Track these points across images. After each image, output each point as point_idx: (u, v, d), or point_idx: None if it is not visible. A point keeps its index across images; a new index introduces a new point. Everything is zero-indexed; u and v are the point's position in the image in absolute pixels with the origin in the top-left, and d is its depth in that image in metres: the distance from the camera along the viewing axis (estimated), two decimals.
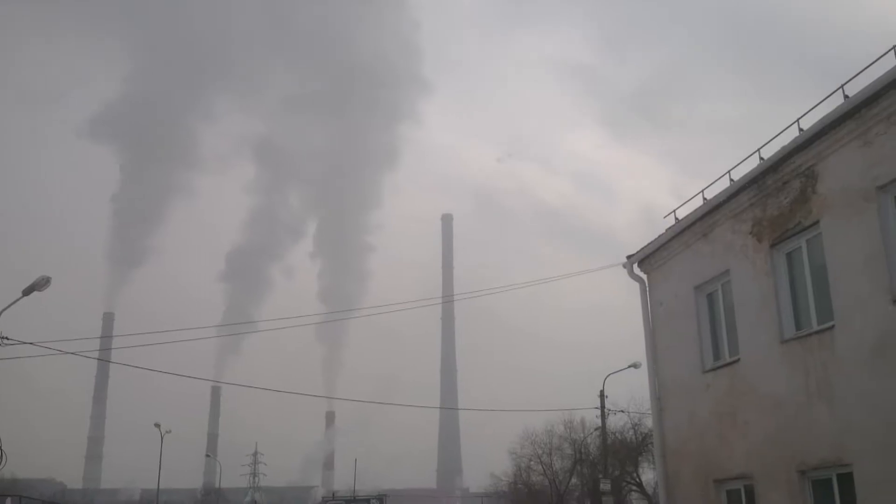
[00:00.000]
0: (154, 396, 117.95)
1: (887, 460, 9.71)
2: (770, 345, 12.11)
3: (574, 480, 47.22)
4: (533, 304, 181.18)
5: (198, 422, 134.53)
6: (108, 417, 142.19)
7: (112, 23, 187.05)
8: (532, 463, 47.98)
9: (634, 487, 44.50)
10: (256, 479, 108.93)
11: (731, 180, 12.92)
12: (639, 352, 16.20)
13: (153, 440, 62.52)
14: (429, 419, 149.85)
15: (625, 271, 16.12)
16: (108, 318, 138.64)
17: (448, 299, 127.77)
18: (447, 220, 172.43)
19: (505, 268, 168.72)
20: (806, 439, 11.19)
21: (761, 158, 12.18)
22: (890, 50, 9.86)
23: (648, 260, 15.71)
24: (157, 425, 62.09)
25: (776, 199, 12.02)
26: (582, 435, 46.09)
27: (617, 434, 43.57)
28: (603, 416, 38.69)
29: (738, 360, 13.00)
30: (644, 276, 15.96)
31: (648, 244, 15.46)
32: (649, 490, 41.14)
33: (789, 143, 11.45)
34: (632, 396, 39.74)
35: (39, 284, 19.51)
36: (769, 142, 12.11)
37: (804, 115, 11.35)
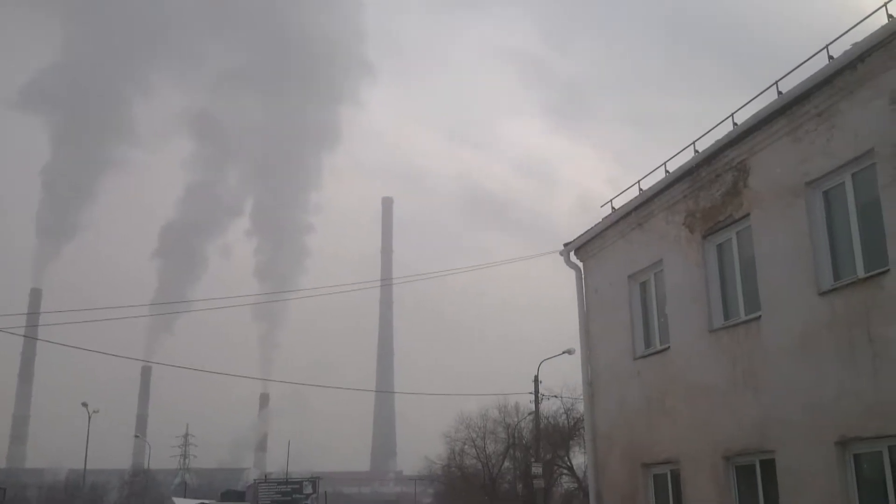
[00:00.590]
0: (82, 376, 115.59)
1: (807, 448, 10.02)
2: (699, 334, 12.36)
3: (507, 464, 47.73)
4: (472, 288, 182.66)
5: (127, 402, 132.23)
6: (34, 396, 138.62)
7: None
8: (466, 447, 48.34)
9: (565, 471, 45.20)
10: (187, 460, 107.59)
11: (667, 172, 13.12)
12: (573, 337, 16.39)
13: (81, 420, 61.27)
14: (364, 402, 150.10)
15: (562, 259, 16.26)
16: (36, 294, 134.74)
17: (387, 282, 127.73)
18: (387, 203, 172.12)
19: (445, 252, 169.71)
20: (731, 426, 11.47)
21: (696, 151, 12.39)
22: (823, 49, 10.09)
23: (585, 248, 15.88)
24: (85, 405, 60.80)
25: (709, 191, 12.26)
26: (516, 419, 46.62)
27: (550, 419, 44.18)
28: (536, 401, 39.17)
29: (668, 347, 13.25)
30: (580, 264, 16.12)
31: (585, 233, 15.62)
32: (580, 474, 41.81)
33: (723, 137, 11.67)
34: (565, 382, 40.32)
35: None
36: (704, 135, 12.33)
37: (738, 109, 11.58)
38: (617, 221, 14.63)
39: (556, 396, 41.47)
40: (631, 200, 14.11)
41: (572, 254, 16.13)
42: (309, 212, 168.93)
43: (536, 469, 36.66)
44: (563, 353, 35.29)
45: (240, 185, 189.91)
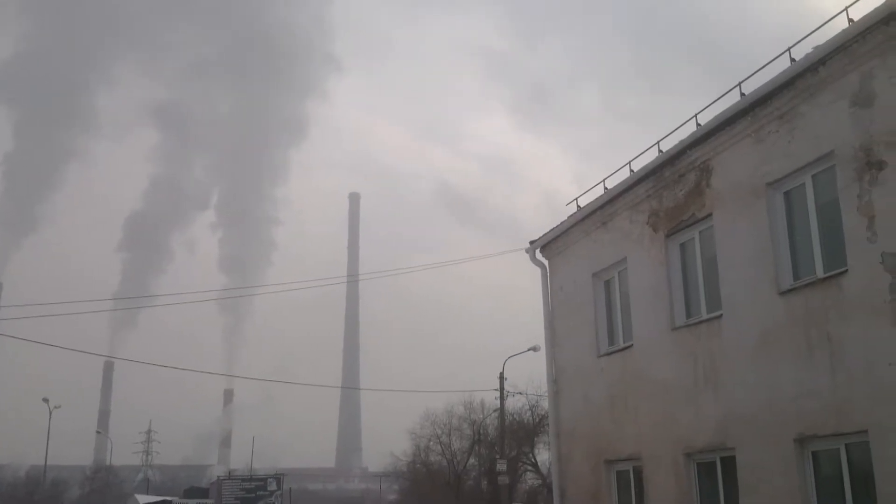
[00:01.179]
0: (43, 370, 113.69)
1: (766, 446, 10.14)
2: (661, 332, 12.46)
3: (472, 461, 47.83)
4: (438, 285, 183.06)
5: (89, 397, 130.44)
6: None
7: None
8: (431, 443, 48.36)
9: (530, 467, 45.43)
10: (149, 457, 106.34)
11: (632, 171, 13.21)
12: (539, 335, 16.45)
13: (41, 415, 60.27)
14: (329, 398, 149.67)
15: (527, 256, 16.31)
16: None
17: (353, 279, 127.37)
18: (354, 198, 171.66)
19: (411, 248, 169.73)
20: (692, 424, 11.57)
21: (660, 151, 12.49)
22: (785, 51, 10.21)
23: (550, 246, 15.94)
24: (46, 400, 59.85)
25: (672, 191, 12.36)
26: (481, 416, 46.71)
27: (515, 415, 44.34)
28: (502, 398, 39.30)
29: (632, 345, 13.34)
30: (545, 262, 16.17)
31: (550, 230, 15.67)
32: (544, 470, 42.03)
33: (687, 138, 11.77)
34: (530, 379, 40.52)
35: None
36: (668, 135, 12.43)
37: (702, 110, 11.69)
38: (582, 220, 14.70)
39: (521, 393, 41.72)
40: (596, 199, 14.18)
41: (538, 251, 16.18)
42: (276, 205, 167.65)
43: (501, 466, 36.82)
44: (529, 350, 35.49)
45: (205, 177, 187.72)
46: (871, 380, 8.77)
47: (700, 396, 11.45)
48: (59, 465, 74.49)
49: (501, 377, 39.04)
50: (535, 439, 43.96)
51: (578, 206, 14.84)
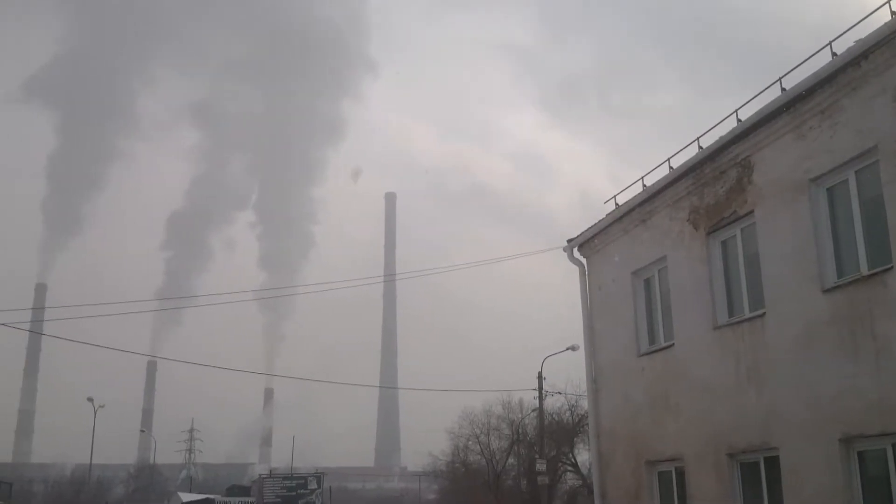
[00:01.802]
0: (88, 370, 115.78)
1: (811, 445, 10.02)
2: (703, 330, 12.34)
3: (511, 460, 47.74)
4: (474, 284, 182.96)
5: (133, 396, 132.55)
6: (39, 391, 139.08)
7: None
8: (470, 443, 48.34)
9: (570, 468, 45.21)
10: (192, 455, 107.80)
11: (671, 168, 13.11)
12: (576, 333, 16.39)
13: (86, 414, 61.45)
14: (368, 396, 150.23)
15: (565, 255, 16.26)
16: (41, 289, 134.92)
17: (389, 278, 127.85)
18: (390, 198, 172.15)
19: (447, 247, 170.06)
20: (735, 423, 11.46)
21: (700, 147, 12.37)
22: (826, 45, 10.07)
23: (588, 244, 15.88)
24: (91, 399, 61.03)
25: (713, 188, 12.24)
26: (520, 416, 46.60)
27: (554, 415, 44.17)
28: (540, 398, 39.20)
29: (673, 344, 13.24)
30: (583, 260, 16.12)
31: (588, 229, 15.61)
32: (584, 470, 41.82)
33: (727, 134, 11.64)
34: (569, 378, 40.33)
35: None
36: (708, 131, 12.32)
37: (742, 105, 11.56)
38: (621, 217, 14.62)
39: (559, 393, 41.54)
40: (635, 196, 14.09)
41: (575, 250, 16.13)
42: (313, 205, 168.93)
43: (541, 465, 36.73)
44: (567, 349, 35.35)
45: (244, 176, 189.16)
46: None
47: (743, 396, 11.33)
48: (104, 463, 75.94)
49: (540, 377, 38.96)
50: (575, 439, 43.74)
51: (616, 204, 14.77)
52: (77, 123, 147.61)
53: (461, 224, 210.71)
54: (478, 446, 48.04)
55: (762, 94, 11.20)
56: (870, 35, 9.23)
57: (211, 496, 54.52)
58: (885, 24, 9.04)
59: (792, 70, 10.67)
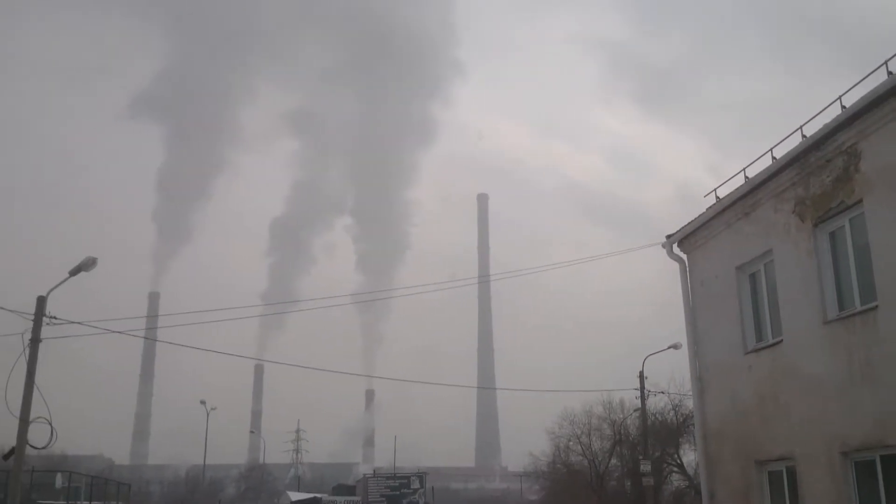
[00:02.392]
0: (199, 374, 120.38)
1: None
2: (813, 325, 11.98)
3: (614, 461, 47.12)
4: (570, 283, 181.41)
5: (242, 399, 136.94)
6: (154, 395, 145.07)
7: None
8: (571, 443, 47.95)
9: (675, 468, 44.29)
10: (299, 455, 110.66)
11: (774, 158, 12.76)
12: (677, 331, 16.11)
13: (199, 417, 63.95)
14: (467, 396, 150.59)
15: (664, 251, 16.02)
16: (154, 297, 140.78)
17: (484, 279, 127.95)
18: (483, 199, 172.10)
19: (541, 247, 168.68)
20: (848, 420, 11.09)
21: (803, 136, 12.01)
22: None
23: (689, 239, 15.60)
24: (203, 402, 63.52)
25: (819, 177, 11.85)
26: (621, 416, 45.94)
27: (657, 415, 43.37)
28: (643, 397, 38.56)
29: (781, 341, 12.89)
30: (684, 256, 15.86)
31: (688, 223, 15.33)
32: (690, 471, 40.94)
33: (832, 121, 11.28)
34: (672, 377, 39.51)
35: (86, 265, 19.92)
36: (812, 119, 11.98)
37: (847, 91, 11.19)
38: (722, 211, 14.30)
39: (662, 392, 40.73)
40: (737, 189, 13.77)
41: (675, 246, 15.88)
42: (407, 207, 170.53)
43: (645, 466, 36.13)
44: (669, 347, 34.68)
45: (341, 181, 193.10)
46: None
47: (855, 392, 10.93)
48: (216, 464, 78.79)
49: (641, 376, 38.33)
50: (680, 440, 42.83)
51: (717, 197, 14.46)
52: (183, 137, 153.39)
53: (555, 223, 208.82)
54: (579, 447, 47.63)
55: (867, 79, 10.81)
56: None
57: (318, 495, 55.80)
58: None
59: None
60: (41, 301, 19.53)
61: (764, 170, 12.99)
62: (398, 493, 49.83)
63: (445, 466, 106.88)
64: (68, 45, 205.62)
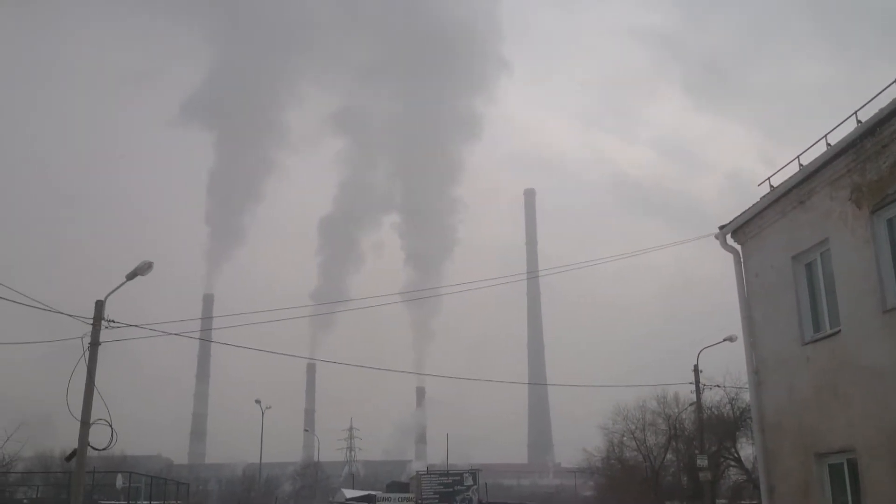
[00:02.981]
0: (254, 374, 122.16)
1: None
2: (872, 315, 11.70)
3: (669, 456, 46.59)
4: (620, 277, 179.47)
5: (295, 398, 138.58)
6: (210, 395, 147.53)
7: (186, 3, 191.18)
8: (625, 438, 47.54)
9: (733, 463, 43.64)
10: (353, 453, 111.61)
11: (828, 145, 12.48)
12: (730, 324, 15.85)
13: (254, 416, 64.87)
14: (518, 392, 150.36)
15: (717, 242, 15.78)
16: (208, 299, 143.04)
17: (533, 275, 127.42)
18: (530, 194, 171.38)
19: (590, 241, 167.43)
20: None
21: (858, 121, 11.72)
22: None
23: (742, 230, 15.33)
24: (258, 402, 64.36)
25: (875, 163, 11.56)
26: (676, 410, 45.39)
27: (713, 409, 42.75)
28: (698, 391, 38.02)
29: (839, 331, 12.61)
30: (738, 247, 15.59)
31: (742, 214, 15.07)
32: (748, 465, 40.30)
33: (888, 105, 10.99)
34: (727, 370, 38.90)
35: (142, 269, 20.32)
36: (867, 104, 11.67)
37: None
38: (777, 200, 14.02)
39: (718, 386, 40.11)
40: (791, 177, 13.50)
41: (728, 236, 15.62)
42: (454, 204, 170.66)
43: (701, 461, 35.63)
44: (724, 340, 34.11)
45: (388, 178, 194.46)
46: None
47: None
48: (272, 462, 79.84)
49: (696, 369, 37.81)
50: (737, 433, 42.17)
51: (771, 186, 14.18)
52: (232, 140, 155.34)
53: (604, 217, 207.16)
54: (633, 442, 47.19)
55: None
56: None
57: (373, 492, 56.20)
58: None
59: None
60: (99, 305, 19.96)
61: (818, 157, 12.71)
62: (451, 489, 49.92)
63: (498, 463, 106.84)
64: (118, 53, 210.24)
